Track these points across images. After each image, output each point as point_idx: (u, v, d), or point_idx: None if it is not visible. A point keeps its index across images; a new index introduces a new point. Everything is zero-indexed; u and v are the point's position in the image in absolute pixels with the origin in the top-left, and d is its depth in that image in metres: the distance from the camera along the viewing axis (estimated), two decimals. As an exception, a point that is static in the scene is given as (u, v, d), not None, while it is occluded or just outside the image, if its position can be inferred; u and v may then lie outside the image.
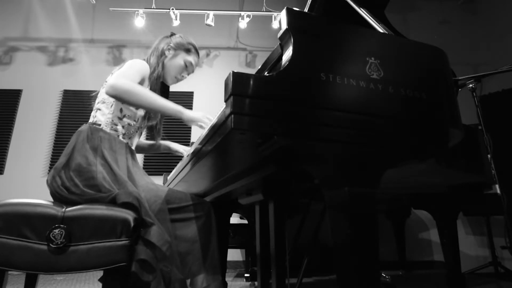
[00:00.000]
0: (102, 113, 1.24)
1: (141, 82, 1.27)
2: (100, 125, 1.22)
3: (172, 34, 1.47)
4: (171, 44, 1.41)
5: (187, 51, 1.44)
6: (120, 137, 1.26)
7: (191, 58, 1.44)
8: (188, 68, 1.45)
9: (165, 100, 1.19)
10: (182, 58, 1.42)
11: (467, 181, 1.66)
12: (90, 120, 1.26)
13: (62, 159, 1.14)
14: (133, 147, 1.35)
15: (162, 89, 1.46)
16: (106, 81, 1.30)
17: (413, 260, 3.18)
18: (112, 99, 1.25)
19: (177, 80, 1.46)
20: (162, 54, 1.40)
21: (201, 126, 1.14)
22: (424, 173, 1.28)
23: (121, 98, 1.17)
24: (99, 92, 1.33)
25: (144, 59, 1.37)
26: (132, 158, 1.27)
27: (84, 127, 1.22)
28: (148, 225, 1.02)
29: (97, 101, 1.29)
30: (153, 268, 0.99)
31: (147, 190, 1.16)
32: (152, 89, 1.32)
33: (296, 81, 0.73)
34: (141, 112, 1.32)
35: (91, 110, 1.31)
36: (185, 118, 1.17)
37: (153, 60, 1.38)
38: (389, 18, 1.64)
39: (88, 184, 1.08)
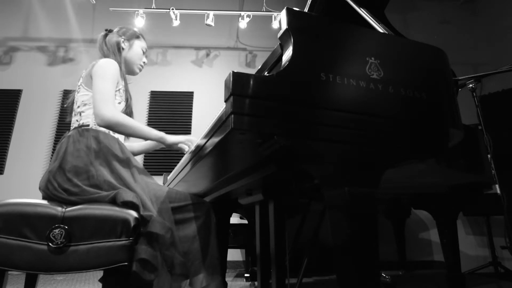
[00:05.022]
0: (87, 115, 1.22)
1: (116, 86, 1.27)
2: (88, 125, 1.20)
3: (111, 30, 1.44)
4: (123, 36, 1.42)
5: (138, 37, 1.46)
6: (111, 133, 1.23)
7: (144, 43, 1.48)
8: (145, 53, 1.49)
9: (148, 128, 1.22)
10: (138, 46, 1.45)
11: (467, 181, 1.65)
12: (75, 125, 1.22)
13: (55, 163, 1.12)
14: (123, 141, 1.32)
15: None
16: (79, 86, 1.28)
17: (413, 260, 3.18)
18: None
19: (141, 67, 1.48)
20: (119, 49, 1.39)
21: (182, 149, 1.19)
22: (424, 173, 1.28)
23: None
24: (74, 97, 1.30)
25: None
26: (125, 153, 1.23)
27: (72, 131, 1.20)
28: (148, 219, 1.02)
29: (76, 105, 1.25)
30: (155, 267, 1.00)
31: (148, 189, 1.16)
32: (125, 83, 1.35)
33: (296, 81, 0.73)
34: (122, 106, 1.31)
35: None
36: (167, 142, 1.21)
37: (113, 58, 1.34)
38: (389, 18, 1.64)
39: (89, 183, 1.08)
